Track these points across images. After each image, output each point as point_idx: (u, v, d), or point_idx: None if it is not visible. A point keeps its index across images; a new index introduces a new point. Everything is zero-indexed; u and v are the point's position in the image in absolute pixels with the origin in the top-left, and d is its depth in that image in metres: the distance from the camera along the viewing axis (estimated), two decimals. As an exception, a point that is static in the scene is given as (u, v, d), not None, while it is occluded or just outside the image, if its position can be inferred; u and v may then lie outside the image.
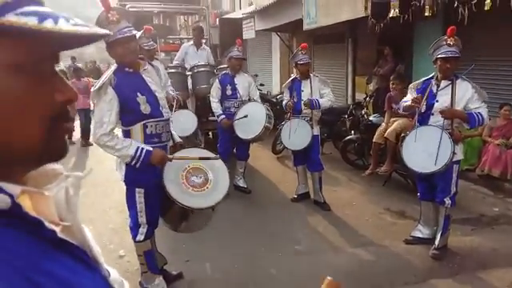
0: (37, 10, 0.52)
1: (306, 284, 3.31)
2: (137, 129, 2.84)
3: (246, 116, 5.03)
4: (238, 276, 3.50)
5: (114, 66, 2.85)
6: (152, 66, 3.07)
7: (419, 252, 3.86)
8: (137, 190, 2.92)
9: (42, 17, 0.51)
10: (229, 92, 5.31)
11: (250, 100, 5.30)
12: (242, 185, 5.52)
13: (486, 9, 4.54)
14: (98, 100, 2.77)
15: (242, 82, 5.35)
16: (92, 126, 2.95)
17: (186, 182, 2.83)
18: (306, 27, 8.71)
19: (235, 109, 5.24)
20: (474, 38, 5.69)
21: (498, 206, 5.09)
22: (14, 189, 0.53)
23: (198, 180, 2.86)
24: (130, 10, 6.46)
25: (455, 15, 4.87)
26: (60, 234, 0.56)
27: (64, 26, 0.52)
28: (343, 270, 3.57)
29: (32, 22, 0.50)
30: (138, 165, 2.77)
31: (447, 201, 3.67)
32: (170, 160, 2.83)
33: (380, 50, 8.21)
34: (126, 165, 2.86)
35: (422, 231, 4.03)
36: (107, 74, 2.78)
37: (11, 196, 0.52)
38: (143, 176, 2.86)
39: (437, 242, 3.77)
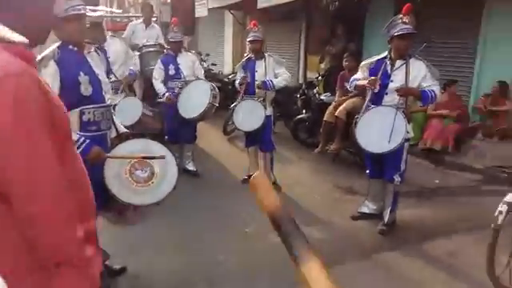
0: None
1: (256, 268, 3.32)
2: (73, 116, 2.60)
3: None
4: (185, 265, 3.36)
5: (57, 43, 2.66)
6: (97, 52, 2.95)
7: (367, 227, 3.99)
8: None
9: None
10: (172, 72, 5.17)
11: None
12: (191, 168, 5.41)
13: None
14: None
15: (185, 61, 5.22)
16: None
17: (130, 178, 2.70)
18: (260, 5, 8.61)
19: (179, 89, 5.10)
20: (424, 19, 5.83)
21: (439, 178, 5.37)
22: None
23: (143, 174, 2.73)
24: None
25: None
26: None
27: None
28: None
29: None
30: None
31: (397, 178, 3.77)
32: (106, 158, 2.66)
33: (333, 28, 8.27)
34: None
35: (369, 207, 4.16)
36: (49, 49, 2.59)
37: None
38: None
39: (386, 219, 3.90)
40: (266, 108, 4.78)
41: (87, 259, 1.09)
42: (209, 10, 11.33)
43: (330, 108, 5.89)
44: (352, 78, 4.05)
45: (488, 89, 6.13)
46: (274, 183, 4.96)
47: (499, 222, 2.67)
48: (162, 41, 6.82)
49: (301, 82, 9.20)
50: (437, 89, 3.66)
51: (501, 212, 2.68)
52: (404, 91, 3.60)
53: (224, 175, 5.60)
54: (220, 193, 4.90)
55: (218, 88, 5.51)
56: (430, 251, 3.59)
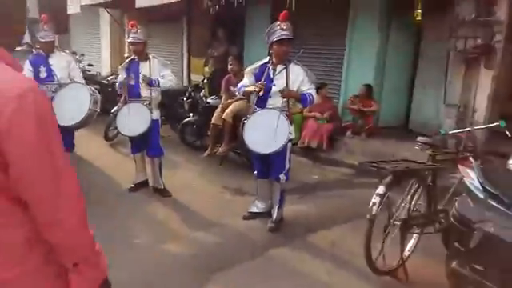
0: None
1: (149, 280, 3.19)
2: None
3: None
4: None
5: None
6: None
7: (257, 226, 4.12)
8: None
9: None
10: (43, 74, 4.67)
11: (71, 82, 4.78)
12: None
13: None
14: None
15: (59, 61, 4.76)
16: None
17: None
18: (138, 4, 8.29)
19: (52, 93, 4.64)
20: (299, 27, 6.24)
21: (317, 174, 5.82)
22: None
23: None
24: None
25: (283, 2, 5.23)
26: None
27: None
28: (185, 257, 3.54)
29: None
30: None
31: (282, 177, 3.97)
32: None
33: (214, 31, 8.36)
34: None
35: (258, 206, 4.30)
36: None
37: None
38: None
39: (274, 216, 4.07)
40: (152, 112, 4.62)
41: (98, 254, 1.26)
42: (82, 6, 10.56)
43: (218, 111, 5.95)
44: (240, 84, 4.15)
45: (355, 91, 6.83)
46: (163, 189, 4.84)
47: (373, 212, 2.97)
48: (29, 39, 6.15)
49: (185, 84, 9.13)
50: (313, 91, 3.96)
51: (374, 203, 2.98)
52: (286, 93, 3.82)
53: (108, 184, 5.24)
54: (105, 203, 4.55)
55: (97, 91, 5.16)
56: (314, 243, 3.84)
